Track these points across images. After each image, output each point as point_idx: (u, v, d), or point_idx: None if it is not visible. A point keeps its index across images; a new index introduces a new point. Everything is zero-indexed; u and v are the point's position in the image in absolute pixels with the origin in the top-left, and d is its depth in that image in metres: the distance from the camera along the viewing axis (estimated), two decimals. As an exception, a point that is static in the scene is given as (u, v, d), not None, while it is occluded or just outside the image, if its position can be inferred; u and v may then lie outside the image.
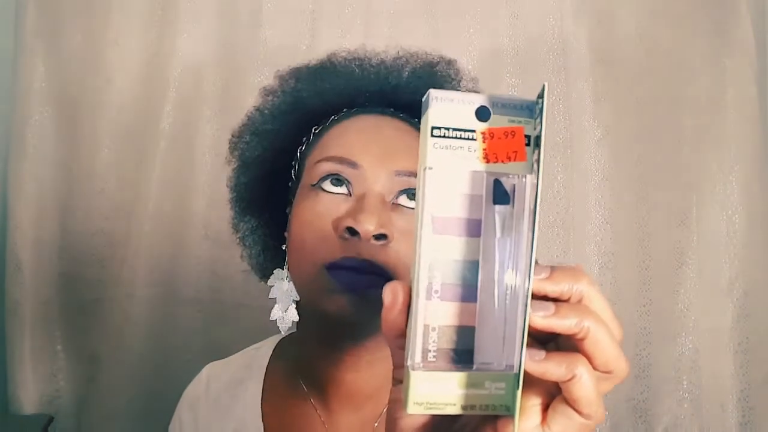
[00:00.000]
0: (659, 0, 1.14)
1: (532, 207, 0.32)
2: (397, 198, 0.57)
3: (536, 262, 0.33)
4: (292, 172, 0.66)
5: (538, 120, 0.32)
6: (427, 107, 0.33)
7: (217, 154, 1.14)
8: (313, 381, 0.65)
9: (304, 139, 0.66)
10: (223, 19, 1.17)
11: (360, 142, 0.60)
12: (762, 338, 1.09)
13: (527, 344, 0.32)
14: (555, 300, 0.33)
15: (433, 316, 0.33)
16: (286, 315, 0.66)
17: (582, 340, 0.32)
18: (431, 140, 0.32)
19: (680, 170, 1.12)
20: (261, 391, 0.69)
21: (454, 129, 0.33)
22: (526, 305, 0.31)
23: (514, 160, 0.33)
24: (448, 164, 0.33)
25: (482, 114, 0.33)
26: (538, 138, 0.32)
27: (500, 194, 0.33)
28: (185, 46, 1.16)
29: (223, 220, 0.74)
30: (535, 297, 0.32)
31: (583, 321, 0.32)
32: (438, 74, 0.68)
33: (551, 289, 0.32)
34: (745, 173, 1.10)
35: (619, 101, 1.14)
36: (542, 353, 0.32)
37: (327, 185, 0.58)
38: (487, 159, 0.33)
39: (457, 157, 0.33)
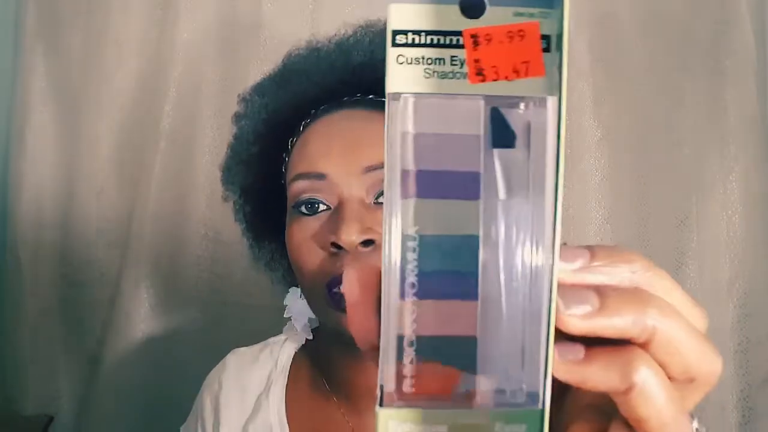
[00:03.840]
0: (659, 0, 1.14)
1: (555, 148, 0.21)
2: (377, 198, 0.55)
3: (565, 244, 0.23)
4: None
5: (558, 9, 0.21)
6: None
7: (217, 154, 1.13)
8: (335, 382, 0.65)
9: (284, 156, 0.64)
10: (223, 18, 1.17)
11: (321, 149, 0.57)
12: (762, 338, 1.09)
13: (556, 341, 0.22)
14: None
15: (410, 322, 0.22)
16: (300, 334, 0.66)
17: (647, 344, 0.22)
18: (394, 52, 0.21)
19: (680, 170, 1.12)
20: (285, 389, 0.68)
21: (429, 32, 0.21)
22: (550, 300, 0.21)
23: (526, 75, 0.21)
24: (422, 88, 0.22)
25: (473, 6, 0.22)
26: (560, 38, 0.21)
27: (501, 132, 0.22)
28: (185, 46, 1.16)
29: (223, 220, 0.74)
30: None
31: (644, 316, 0.22)
32: None
33: (594, 281, 0.23)
34: (745, 173, 1.10)
35: (619, 101, 1.14)
36: (580, 350, 0.22)
37: (304, 209, 0.57)
38: (482, 76, 0.21)
39: (437, 75, 0.21)
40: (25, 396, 1.15)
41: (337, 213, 0.55)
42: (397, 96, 0.22)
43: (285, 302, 0.67)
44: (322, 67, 0.63)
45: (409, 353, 0.22)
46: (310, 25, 1.16)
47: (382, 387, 0.22)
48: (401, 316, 0.22)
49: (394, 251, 0.22)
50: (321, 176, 0.56)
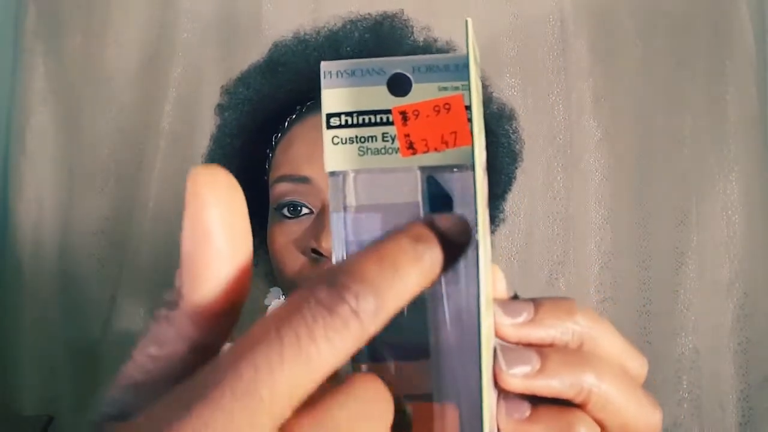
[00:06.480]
0: (659, 0, 1.14)
1: (473, 218, 0.20)
2: None
3: (516, 296, 0.24)
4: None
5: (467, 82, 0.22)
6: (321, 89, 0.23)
7: (217, 154, 1.14)
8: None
9: (268, 151, 0.62)
10: (223, 19, 1.17)
11: (305, 151, 0.56)
12: (762, 338, 1.09)
13: (505, 396, 0.23)
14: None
15: None
16: None
17: (584, 405, 0.23)
18: (329, 134, 0.23)
19: (680, 170, 1.12)
20: None
21: (360, 113, 0.23)
22: (480, 359, 0.20)
23: (454, 145, 0.22)
24: (358, 165, 0.23)
25: (401, 86, 0.23)
26: (470, 109, 0.22)
27: (437, 198, 0.23)
28: (185, 46, 1.16)
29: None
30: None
31: (580, 379, 0.23)
32: (385, 34, 0.61)
33: (538, 335, 0.23)
34: (745, 173, 1.10)
35: (619, 101, 1.14)
36: (526, 409, 0.23)
37: (286, 212, 0.56)
38: (413, 149, 0.23)
39: (370, 152, 0.23)
40: (25, 396, 1.15)
41: (319, 219, 0.54)
42: (336, 173, 0.23)
43: (265, 302, 0.66)
44: (309, 61, 0.61)
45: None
46: (310, 25, 1.16)
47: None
48: None
49: None
50: (305, 180, 0.55)
